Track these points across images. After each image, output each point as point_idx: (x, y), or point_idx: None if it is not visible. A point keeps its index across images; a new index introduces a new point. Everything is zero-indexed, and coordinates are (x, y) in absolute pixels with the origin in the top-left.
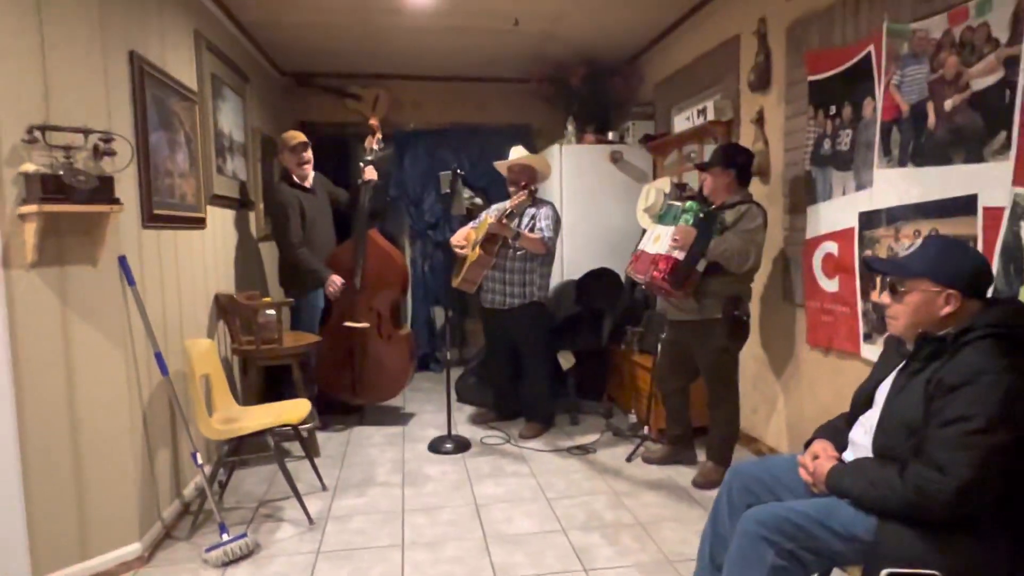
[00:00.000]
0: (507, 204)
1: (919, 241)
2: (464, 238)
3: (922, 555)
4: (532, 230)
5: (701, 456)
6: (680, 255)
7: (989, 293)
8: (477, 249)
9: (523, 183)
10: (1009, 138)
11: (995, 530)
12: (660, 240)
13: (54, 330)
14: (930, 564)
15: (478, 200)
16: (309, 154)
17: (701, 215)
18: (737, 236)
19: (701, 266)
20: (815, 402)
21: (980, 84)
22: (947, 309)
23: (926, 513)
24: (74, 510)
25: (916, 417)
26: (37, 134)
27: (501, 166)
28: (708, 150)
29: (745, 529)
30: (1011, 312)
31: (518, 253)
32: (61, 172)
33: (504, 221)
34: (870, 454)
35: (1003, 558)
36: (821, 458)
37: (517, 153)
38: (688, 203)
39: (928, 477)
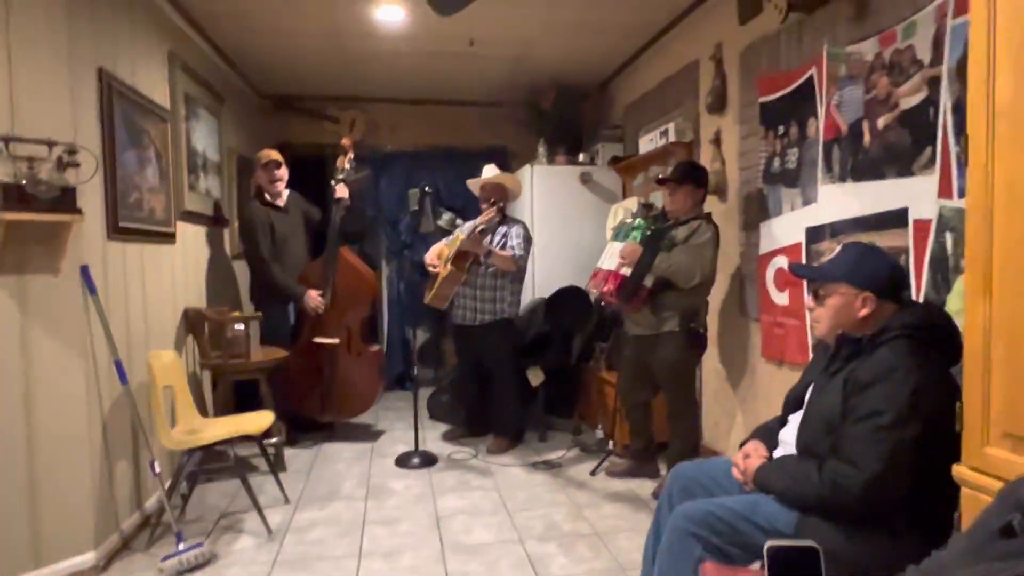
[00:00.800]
0: (476, 221)
1: (838, 248)
2: (437, 255)
3: (838, 548)
4: (503, 248)
5: (664, 470)
6: (627, 271)
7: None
8: (448, 265)
9: (493, 201)
10: (934, 153)
11: (906, 525)
12: (614, 258)
13: (12, 337)
14: (845, 557)
15: (459, 221)
16: (282, 172)
17: (648, 232)
18: (684, 252)
19: (649, 282)
20: (771, 413)
21: (908, 103)
22: (864, 311)
23: (840, 507)
24: (27, 517)
25: (834, 415)
26: (0, 145)
27: (474, 184)
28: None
29: (675, 525)
30: (924, 314)
31: (489, 270)
32: (24, 182)
33: (476, 237)
34: (795, 451)
35: (913, 552)
36: (752, 457)
37: (489, 172)
38: (638, 221)
39: (841, 472)
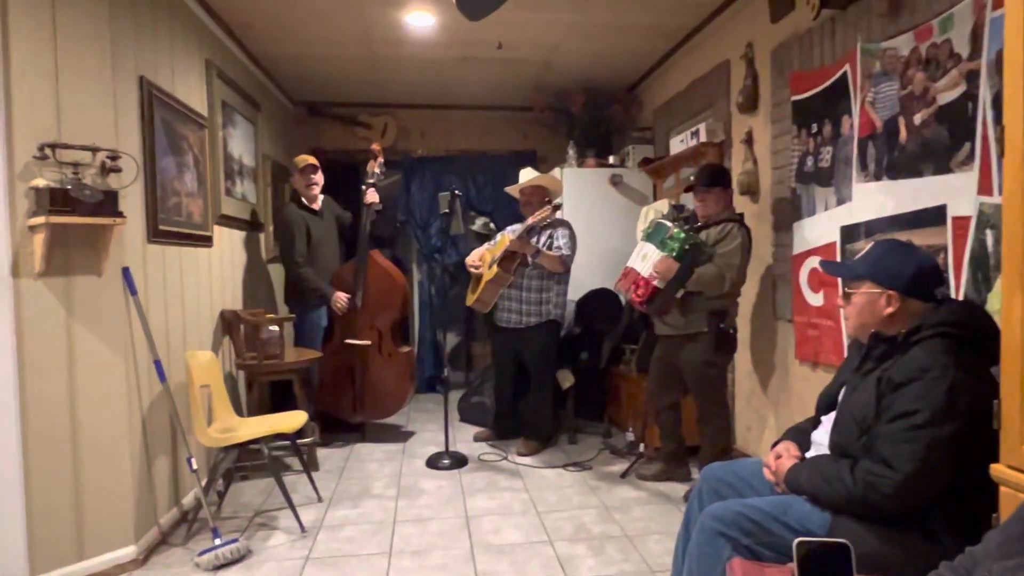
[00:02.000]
0: (529, 221)
1: (869, 245)
2: (479, 258)
3: (871, 549)
4: (549, 248)
5: (696, 473)
6: (660, 284)
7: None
8: (494, 268)
9: (536, 202)
10: (973, 149)
11: (942, 526)
12: (647, 259)
13: (59, 336)
14: (879, 558)
15: (492, 225)
16: (318, 177)
17: (687, 247)
18: (713, 264)
19: (679, 293)
20: (804, 416)
21: (945, 98)
22: (889, 309)
23: (874, 507)
24: (72, 511)
25: (867, 415)
26: (48, 151)
27: (513, 190)
28: None
29: (703, 525)
30: (959, 312)
31: (534, 272)
32: (69, 187)
33: (525, 237)
34: (828, 452)
35: (950, 554)
36: (783, 457)
37: (527, 175)
38: (676, 230)
39: (875, 471)
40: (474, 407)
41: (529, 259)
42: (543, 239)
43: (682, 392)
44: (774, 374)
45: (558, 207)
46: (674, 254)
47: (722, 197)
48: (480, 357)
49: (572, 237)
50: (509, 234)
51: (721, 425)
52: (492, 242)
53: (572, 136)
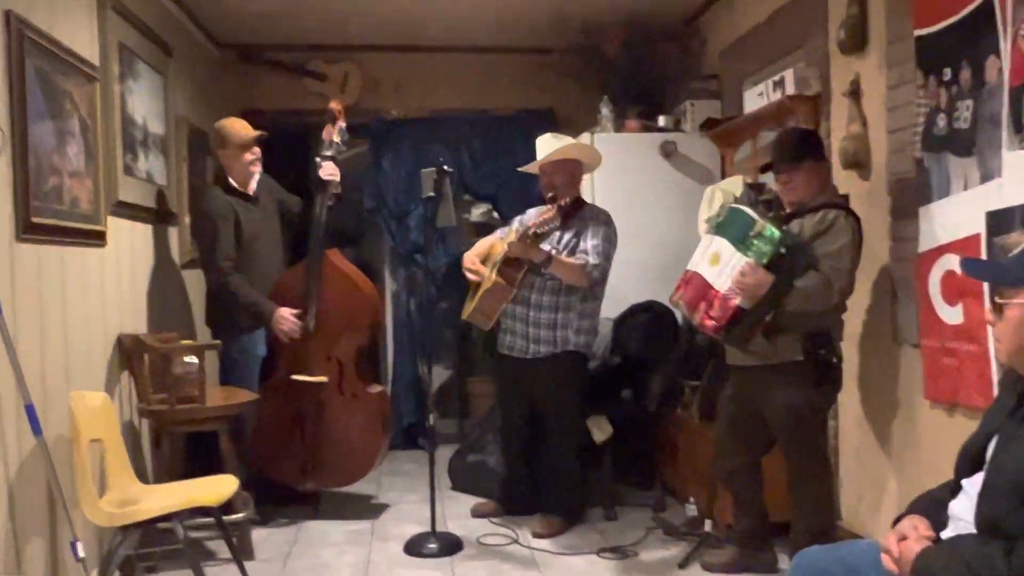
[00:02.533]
0: (530, 224)
1: None
2: (479, 254)
3: None
4: (574, 251)
5: (784, 562)
6: (746, 304)
7: None
8: (494, 274)
9: (551, 195)
10: None
11: None
12: (720, 263)
13: None
14: None
15: (496, 214)
16: (258, 152)
17: (783, 250)
18: (817, 271)
19: (768, 318)
20: (938, 479)
21: None
22: None
23: None
24: None
25: None
26: None
27: (533, 168)
28: None
29: None
30: None
31: (548, 283)
32: None
33: (528, 242)
34: (974, 530)
35: None
36: (910, 539)
37: (549, 145)
38: (768, 227)
39: None
40: (472, 469)
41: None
42: (566, 237)
43: (765, 447)
44: (894, 421)
45: (565, 208)
46: (765, 261)
47: (815, 174)
48: (480, 399)
49: (610, 239)
50: (518, 226)
51: (821, 493)
52: (503, 231)
53: (606, 89)
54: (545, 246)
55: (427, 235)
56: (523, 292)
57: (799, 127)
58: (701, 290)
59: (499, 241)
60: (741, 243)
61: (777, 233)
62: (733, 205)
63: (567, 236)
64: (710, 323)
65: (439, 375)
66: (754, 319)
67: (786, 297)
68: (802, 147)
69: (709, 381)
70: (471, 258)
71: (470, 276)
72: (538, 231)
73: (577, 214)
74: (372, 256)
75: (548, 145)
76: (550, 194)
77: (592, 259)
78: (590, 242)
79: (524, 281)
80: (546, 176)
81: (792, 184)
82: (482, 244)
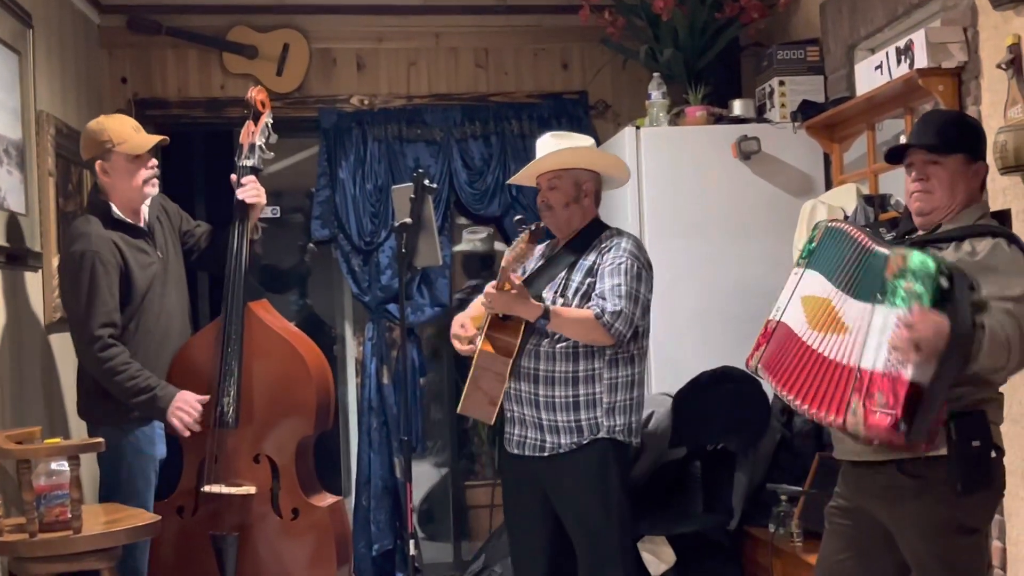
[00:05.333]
0: (504, 261)
1: None
2: (474, 317)
3: None
4: (587, 297)
5: None
6: (923, 377)
7: None
8: (481, 341)
9: (559, 203)
10: None
11: None
12: (833, 317)
13: None
14: None
15: (498, 245)
16: (155, 166)
17: (943, 282)
18: (1003, 310)
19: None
20: None
21: None
22: None
23: None
24: None
25: None
26: None
27: (525, 179)
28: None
29: None
30: None
31: (558, 346)
32: None
33: (514, 292)
34: None
35: None
36: None
37: (549, 146)
38: (912, 256)
39: None
40: None
41: (539, 324)
42: (576, 280)
43: None
44: None
45: (538, 233)
46: (927, 299)
47: (962, 179)
48: (484, 513)
49: (639, 275)
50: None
51: None
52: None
53: (659, 64)
54: (547, 293)
55: (405, 278)
56: (527, 363)
57: (956, 112)
58: (800, 356)
59: (490, 291)
60: (873, 292)
61: (929, 259)
62: (831, 224)
63: (577, 277)
64: (884, 425)
65: (426, 479)
66: (940, 395)
67: (973, 349)
68: (959, 132)
69: (816, 486)
70: (461, 321)
71: (459, 348)
72: (511, 265)
73: (592, 244)
74: (325, 308)
75: (549, 146)
76: (533, 229)
77: (610, 304)
78: (607, 282)
79: (526, 347)
80: (543, 190)
81: (929, 184)
82: (471, 309)
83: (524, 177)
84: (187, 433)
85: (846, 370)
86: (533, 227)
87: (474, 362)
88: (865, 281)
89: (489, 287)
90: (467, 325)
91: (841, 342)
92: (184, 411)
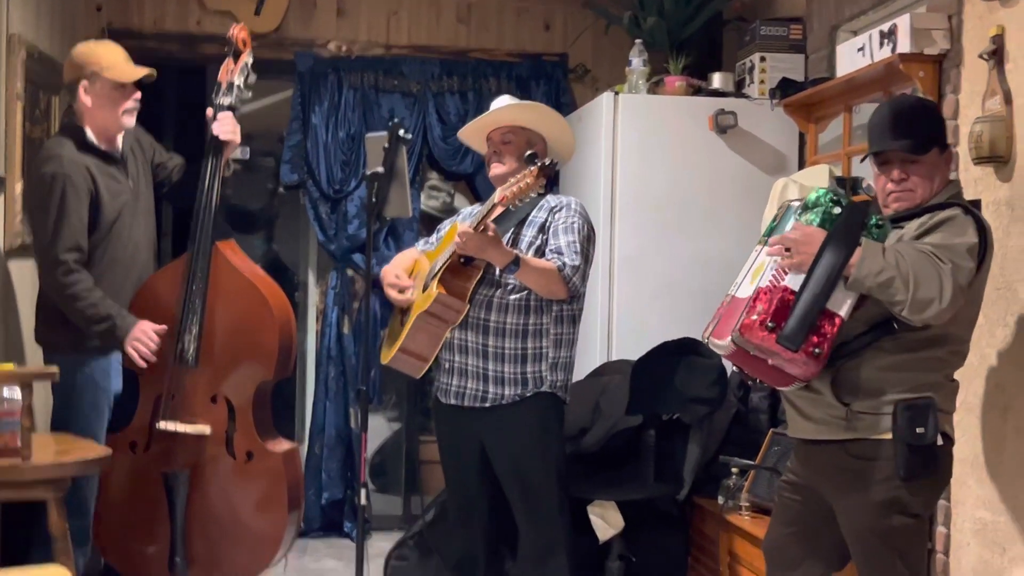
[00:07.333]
0: (495, 197)
1: None
2: (405, 268)
3: None
4: (540, 252)
5: None
6: (794, 282)
7: None
8: (433, 287)
9: (514, 157)
10: None
11: None
12: (763, 273)
13: None
14: None
15: (450, 198)
16: (139, 98)
17: (836, 210)
18: (915, 247)
19: (845, 308)
20: None
21: None
22: None
23: None
24: None
25: None
26: None
27: (472, 134)
28: None
29: None
30: None
31: (511, 296)
32: None
33: (490, 227)
34: None
35: None
36: None
37: (500, 105)
38: (817, 192)
39: None
40: (412, 569)
41: (497, 273)
42: (527, 235)
43: (840, 559)
44: None
45: (549, 170)
46: (817, 221)
47: (938, 170)
48: (438, 468)
49: (589, 236)
50: (462, 221)
51: None
52: (432, 238)
53: (641, 31)
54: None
55: (373, 228)
56: (477, 313)
57: (917, 96)
58: (736, 310)
59: (423, 254)
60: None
61: (825, 193)
62: (794, 201)
63: (529, 232)
64: (749, 323)
65: (380, 430)
66: (812, 303)
67: (851, 257)
68: (931, 126)
69: (767, 461)
70: (395, 271)
71: (392, 296)
72: (510, 205)
73: (539, 204)
74: (289, 254)
75: (500, 105)
76: (507, 157)
77: (569, 259)
78: (562, 238)
79: (476, 297)
80: (493, 145)
81: (909, 183)
82: (403, 257)
83: (476, 129)
84: (143, 364)
85: (746, 299)
86: (548, 162)
87: (416, 308)
88: (779, 228)
89: (464, 226)
90: (401, 276)
91: (757, 282)
92: (141, 341)
